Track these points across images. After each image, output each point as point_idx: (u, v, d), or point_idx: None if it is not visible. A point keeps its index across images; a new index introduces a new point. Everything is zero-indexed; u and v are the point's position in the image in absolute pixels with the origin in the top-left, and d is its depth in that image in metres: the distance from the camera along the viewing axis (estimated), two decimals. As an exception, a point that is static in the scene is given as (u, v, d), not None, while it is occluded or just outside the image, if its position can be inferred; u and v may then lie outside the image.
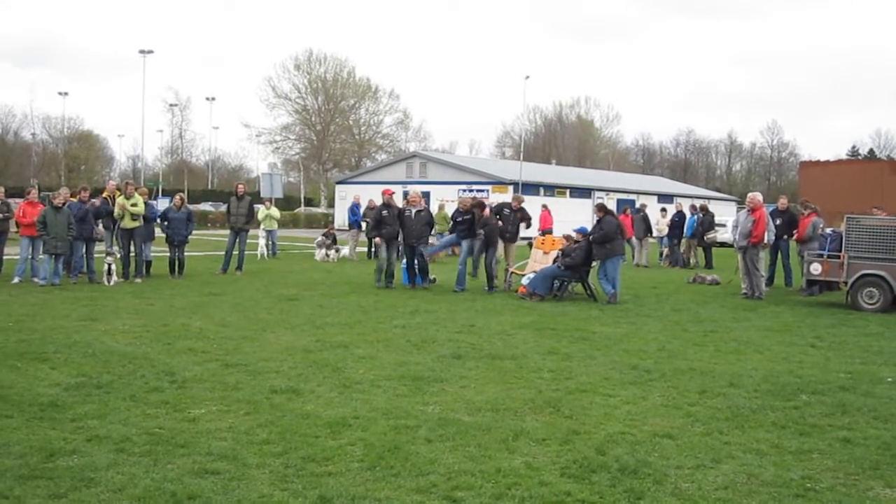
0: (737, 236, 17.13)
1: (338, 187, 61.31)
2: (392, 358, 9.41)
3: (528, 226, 18.85)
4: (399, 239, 17.61)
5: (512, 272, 17.69)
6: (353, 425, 6.53)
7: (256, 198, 34.02)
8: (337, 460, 5.69)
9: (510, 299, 15.67)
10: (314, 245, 26.51)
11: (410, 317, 12.86)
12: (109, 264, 16.74)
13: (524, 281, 16.63)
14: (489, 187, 50.86)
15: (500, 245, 17.99)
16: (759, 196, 17.55)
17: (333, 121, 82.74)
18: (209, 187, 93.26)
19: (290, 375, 8.36)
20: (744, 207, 18.09)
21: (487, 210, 17.76)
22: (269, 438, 6.14)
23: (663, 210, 28.29)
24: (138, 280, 17.07)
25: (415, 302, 14.62)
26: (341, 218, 48.44)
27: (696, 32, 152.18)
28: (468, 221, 17.49)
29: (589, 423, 6.79)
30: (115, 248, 17.71)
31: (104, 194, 18.92)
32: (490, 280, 17.05)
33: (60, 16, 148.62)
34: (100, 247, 18.73)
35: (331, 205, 68.55)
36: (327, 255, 24.80)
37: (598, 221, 15.88)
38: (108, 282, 16.58)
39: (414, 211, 17.60)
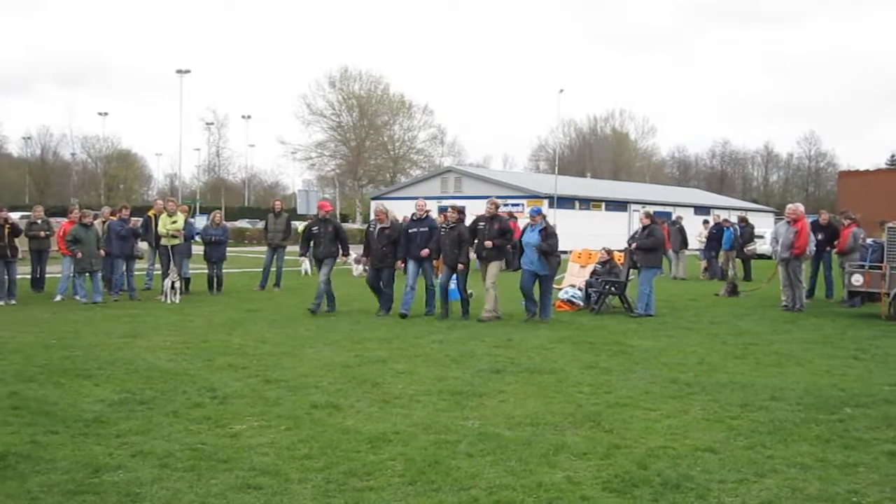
0: (778, 248, 16.95)
1: (373, 203, 61.52)
2: (431, 373, 9.43)
3: (510, 239, 14.93)
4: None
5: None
6: (393, 440, 6.55)
7: (293, 214, 34.29)
8: (378, 475, 5.71)
9: (547, 313, 15.62)
10: (351, 261, 26.60)
11: (448, 332, 12.87)
12: (173, 282, 16.98)
13: (561, 295, 16.59)
14: (524, 201, 50.73)
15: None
16: (800, 207, 17.39)
17: (368, 137, 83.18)
18: (245, 204, 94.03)
19: (329, 391, 8.40)
20: (782, 219, 17.91)
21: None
22: (310, 453, 6.18)
23: (706, 222, 28.02)
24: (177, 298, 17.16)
25: (451, 317, 14.61)
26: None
27: (731, 42, 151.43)
28: (425, 235, 14.93)
29: (630, 437, 6.76)
30: (173, 267, 17.81)
31: (149, 213, 19.14)
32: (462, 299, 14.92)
33: (99, 37, 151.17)
34: (140, 265, 18.97)
35: (366, 220, 68.82)
36: (365, 271, 24.82)
37: (645, 228, 15.79)
38: (174, 299, 16.78)
39: (378, 228, 15.26)
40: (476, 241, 14.66)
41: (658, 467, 5.95)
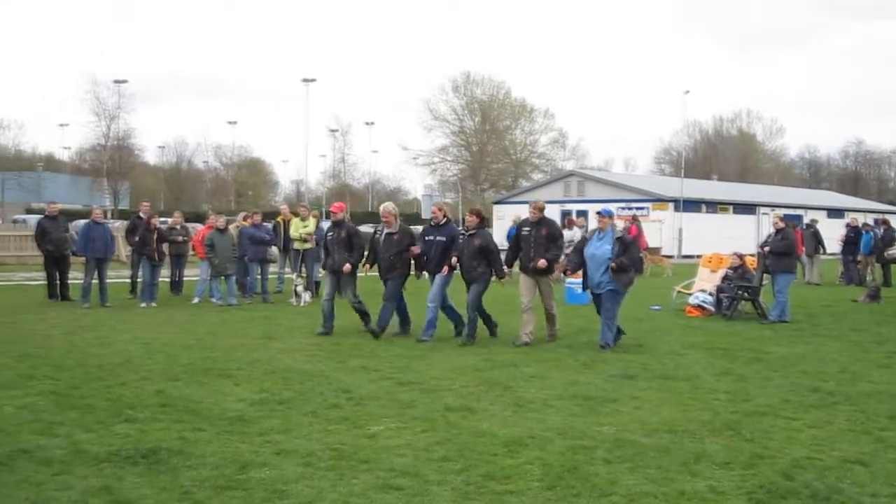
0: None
1: (495, 207, 61.65)
2: (562, 377, 9.38)
3: (559, 248, 12.45)
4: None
5: (678, 291, 17.31)
6: (529, 444, 6.54)
7: (415, 219, 34.54)
8: (517, 479, 5.71)
9: (678, 318, 15.35)
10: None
11: (576, 336, 12.77)
12: (296, 286, 17.43)
13: (691, 300, 16.27)
14: (649, 205, 50.08)
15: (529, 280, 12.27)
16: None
17: (490, 141, 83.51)
18: (369, 209, 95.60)
19: (462, 394, 8.46)
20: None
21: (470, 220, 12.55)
22: (447, 456, 6.23)
23: (865, 224, 26.91)
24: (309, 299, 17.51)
25: (578, 321, 14.47)
26: (499, 238, 48.55)
27: (863, 37, 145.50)
28: (441, 245, 12.43)
29: (772, 447, 6.56)
30: (303, 271, 18.33)
31: (278, 219, 19.70)
32: (485, 324, 12.59)
33: (228, 47, 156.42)
34: (272, 268, 19.52)
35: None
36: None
37: (778, 232, 15.34)
38: (299, 302, 17.17)
39: (385, 233, 12.85)
40: (521, 250, 12.31)
41: (805, 479, 5.75)
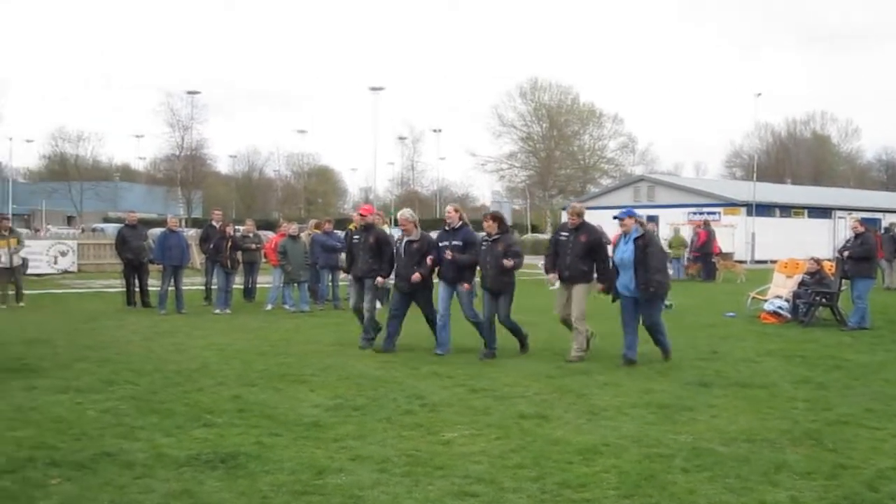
0: None
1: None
2: (636, 385, 9.28)
3: (604, 258, 11.37)
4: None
5: (753, 297, 17.01)
6: (604, 452, 6.49)
7: (478, 226, 34.36)
8: (593, 487, 5.66)
9: (752, 325, 15.09)
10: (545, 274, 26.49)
11: (646, 343, 12.58)
12: None
13: (766, 307, 15.98)
14: (720, 209, 49.28)
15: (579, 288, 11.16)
16: None
17: (558, 147, 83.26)
18: (436, 216, 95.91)
19: (535, 401, 8.42)
20: None
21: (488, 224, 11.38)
22: (522, 463, 6.21)
23: None
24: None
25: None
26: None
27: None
28: (457, 250, 11.44)
29: (856, 457, 6.41)
30: None
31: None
32: (517, 333, 11.66)
33: (300, 60, 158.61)
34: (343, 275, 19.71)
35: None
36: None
37: (857, 236, 14.98)
38: None
39: (405, 242, 11.95)
40: (558, 257, 11.35)
41: (891, 490, 5.61)
